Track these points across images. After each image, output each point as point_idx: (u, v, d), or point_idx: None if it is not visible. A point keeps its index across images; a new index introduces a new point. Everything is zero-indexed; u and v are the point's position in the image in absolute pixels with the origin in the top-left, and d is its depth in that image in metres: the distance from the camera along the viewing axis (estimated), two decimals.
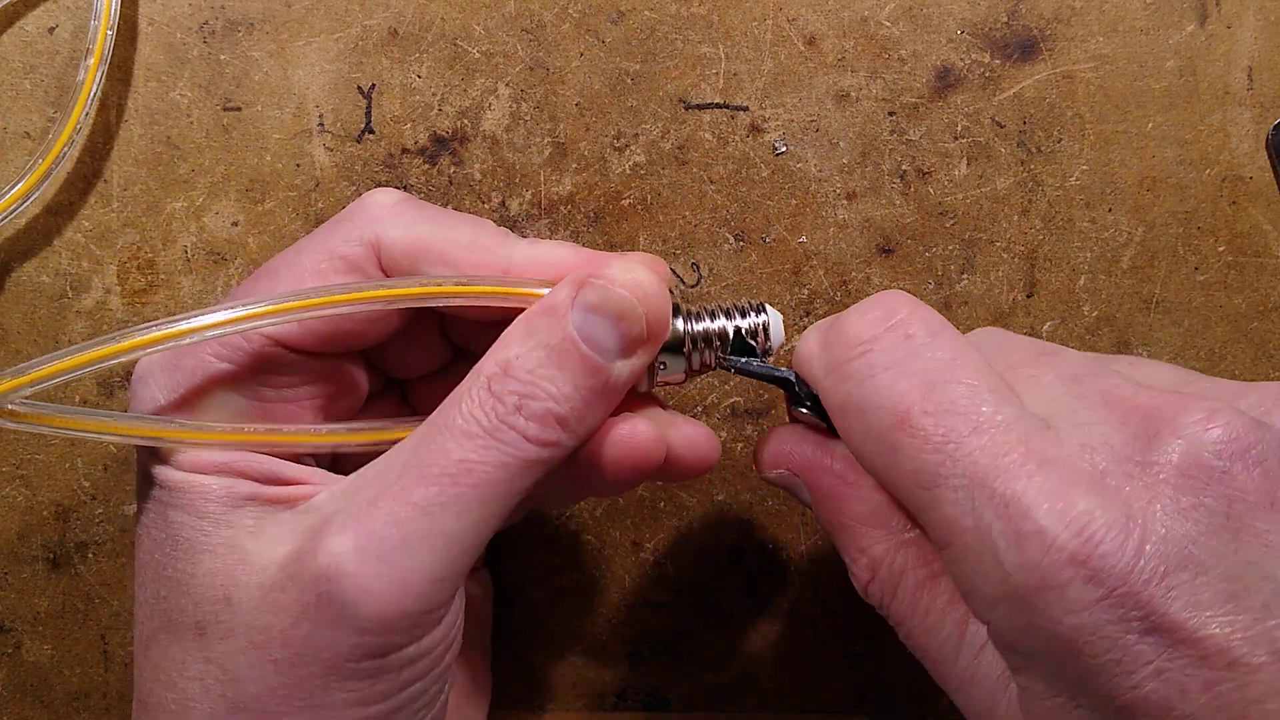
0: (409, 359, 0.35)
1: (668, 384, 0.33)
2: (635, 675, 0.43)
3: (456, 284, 0.31)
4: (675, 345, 0.32)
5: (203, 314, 0.30)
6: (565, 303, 0.29)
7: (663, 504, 0.42)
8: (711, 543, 0.42)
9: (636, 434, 0.32)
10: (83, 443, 0.42)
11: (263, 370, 0.31)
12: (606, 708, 0.43)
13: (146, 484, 0.31)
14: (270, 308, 0.30)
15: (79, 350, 0.30)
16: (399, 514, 0.28)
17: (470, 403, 0.29)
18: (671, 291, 0.31)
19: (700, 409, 0.42)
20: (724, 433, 0.42)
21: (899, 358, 0.28)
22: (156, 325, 0.30)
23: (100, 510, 0.42)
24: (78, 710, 0.42)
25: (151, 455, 0.31)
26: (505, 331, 0.30)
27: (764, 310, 0.32)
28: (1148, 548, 0.24)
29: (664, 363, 0.32)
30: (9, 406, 0.30)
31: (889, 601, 0.31)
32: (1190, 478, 0.24)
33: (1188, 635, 0.23)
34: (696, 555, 0.42)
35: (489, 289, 0.31)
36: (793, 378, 0.32)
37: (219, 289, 0.41)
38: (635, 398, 0.33)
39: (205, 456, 0.31)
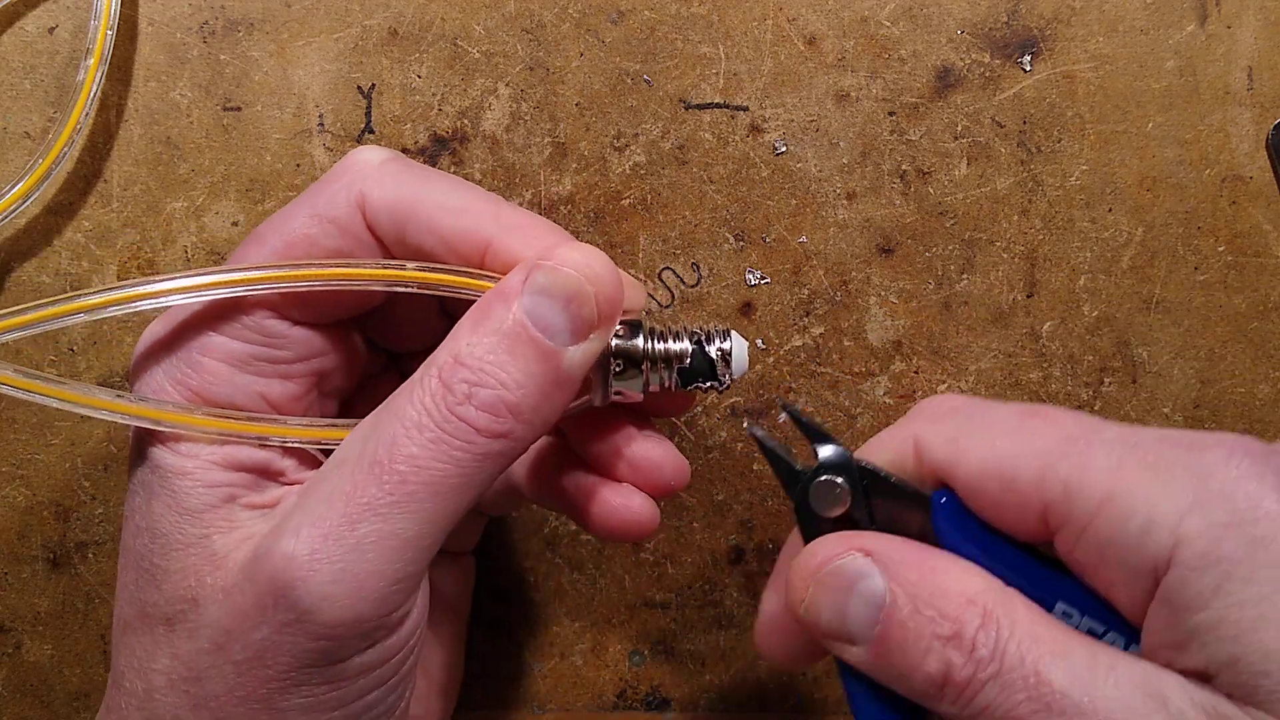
0: (406, 332, 0.35)
1: (625, 400, 0.32)
2: (635, 675, 0.43)
3: (420, 270, 0.31)
4: (634, 358, 0.31)
5: (164, 280, 0.30)
6: (516, 287, 0.29)
7: (663, 504, 0.42)
8: (711, 543, 0.42)
9: (630, 508, 0.32)
10: (83, 441, 0.42)
11: (259, 343, 0.31)
12: (606, 708, 0.43)
13: (139, 461, 0.31)
14: (219, 279, 0.30)
15: (38, 307, 0.30)
16: (351, 515, 0.27)
17: (421, 392, 0.28)
18: (660, 305, 0.31)
19: (700, 409, 0.42)
20: (724, 432, 0.42)
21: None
22: (121, 286, 0.30)
23: (100, 510, 0.42)
24: (78, 710, 0.42)
25: (149, 433, 0.31)
26: (460, 320, 0.29)
27: (729, 337, 0.32)
28: None
29: (619, 365, 0.31)
30: None
31: None
32: None
33: None
34: (696, 555, 0.42)
35: (449, 279, 0.31)
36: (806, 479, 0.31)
37: None
38: (612, 412, 0.33)
39: (196, 440, 0.31)
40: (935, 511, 0.30)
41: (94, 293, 0.30)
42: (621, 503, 0.33)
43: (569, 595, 0.43)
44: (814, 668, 0.43)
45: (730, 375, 0.32)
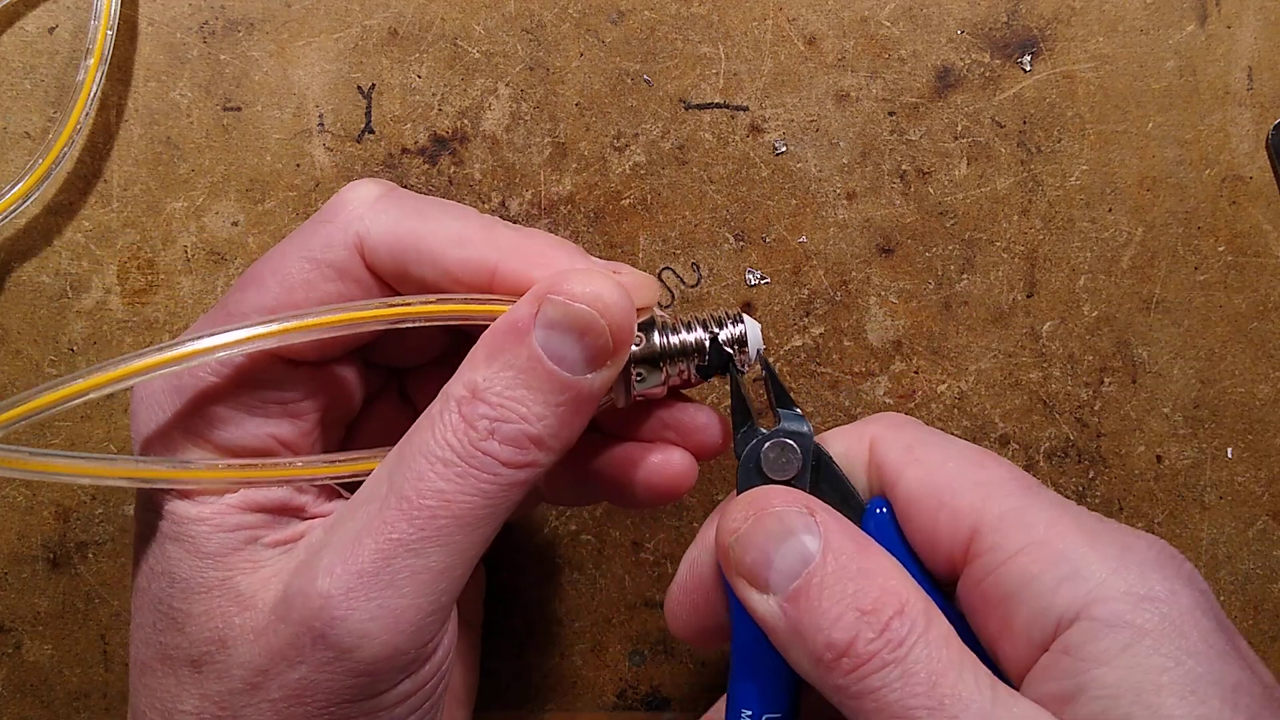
0: (406, 349, 0.35)
1: (646, 398, 0.32)
2: (635, 675, 0.43)
3: (424, 304, 0.30)
4: (652, 359, 0.31)
5: (156, 351, 0.29)
6: (528, 319, 0.29)
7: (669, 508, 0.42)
8: None
9: (672, 462, 0.33)
10: (83, 442, 0.42)
11: (263, 385, 0.31)
12: (606, 708, 0.43)
13: (148, 509, 0.31)
14: (219, 342, 0.29)
15: (40, 392, 0.29)
16: (384, 551, 0.28)
17: (443, 428, 0.28)
18: (661, 305, 0.31)
19: None
20: None
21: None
22: (122, 361, 0.29)
23: (100, 510, 0.42)
24: (78, 710, 0.42)
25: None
26: (472, 350, 0.29)
27: (741, 320, 0.32)
28: None
29: (640, 374, 0.31)
30: None
31: None
32: None
33: None
34: None
35: (455, 308, 0.30)
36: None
37: (219, 289, 0.41)
38: (629, 407, 0.33)
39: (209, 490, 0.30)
40: (869, 518, 0.31)
41: (86, 374, 0.29)
42: (663, 458, 0.33)
43: (569, 595, 0.43)
44: None
45: (748, 362, 0.32)
